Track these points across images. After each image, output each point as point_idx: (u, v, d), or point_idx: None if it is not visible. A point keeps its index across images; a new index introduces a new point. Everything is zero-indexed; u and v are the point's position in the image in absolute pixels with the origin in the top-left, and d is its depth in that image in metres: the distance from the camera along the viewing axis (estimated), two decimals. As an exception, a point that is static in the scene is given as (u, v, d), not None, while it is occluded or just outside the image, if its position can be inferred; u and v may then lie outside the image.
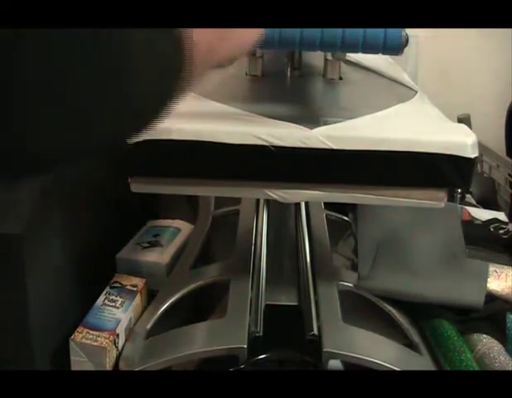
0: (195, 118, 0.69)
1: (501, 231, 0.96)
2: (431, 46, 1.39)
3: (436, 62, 1.46)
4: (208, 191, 0.76)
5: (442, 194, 0.68)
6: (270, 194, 0.68)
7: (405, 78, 0.91)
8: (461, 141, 0.65)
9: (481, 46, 1.43)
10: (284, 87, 0.87)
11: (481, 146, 1.24)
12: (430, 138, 0.65)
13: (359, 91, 0.87)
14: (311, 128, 0.65)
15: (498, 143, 1.25)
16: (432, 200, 0.68)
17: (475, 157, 0.65)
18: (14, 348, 0.64)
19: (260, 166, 0.66)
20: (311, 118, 0.69)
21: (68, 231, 0.74)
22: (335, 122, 0.68)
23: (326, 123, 0.67)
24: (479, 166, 1.26)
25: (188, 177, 0.69)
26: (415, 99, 0.81)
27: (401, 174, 0.67)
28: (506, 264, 0.82)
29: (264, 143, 0.64)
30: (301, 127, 0.66)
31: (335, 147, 0.64)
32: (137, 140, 0.60)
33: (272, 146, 0.64)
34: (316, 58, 0.91)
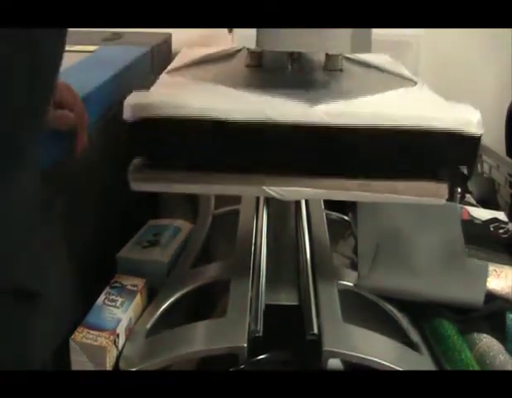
0: (194, 96, 0.69)
1: (501, 231, 0.96)
2: (431, 46, 1.39)
3: (436, 62, 1.46)
4: (207, 190, 0.76)
5: (443, 189, 0.67)
6: (269, 191, 0.68)
7: (405, 72, 0.90)
8: (465, 117, 0.64)
9: (481, 46, 1.43)
10: (284, 75, 0.86)
11: (481, 146, 1.24)
12: (434, 115, 0.64)
13: (360, 80, 0.86)
14: (312, 105, 0.64)
15: (498, 143, 1.25)
16: (433, 196, 0.68)
17: (481, 135, 0.64)
18: (14, 348, 0.64)
19: (260, 142, 0.65)
20: (312, 99, 0.68)
21: (68, 231, 0.74)
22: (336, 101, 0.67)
23: (326, 103, 0.66)
24: (479, 166, 1.26)
25: (188, 157, 0.68)
26: (416, 87, 0.81)
27: (404, 152, 0.65)
28: (506, 264, 0.82)
29: (264, 119, 0.63)
30: (302, 103, 0.65)
31: (335, 123, 0.63)
32: (136, 118, 0.61)
33: (273, 121, 0.63)
34: (317, 53, 0.91)
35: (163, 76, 0.85)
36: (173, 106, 0.65)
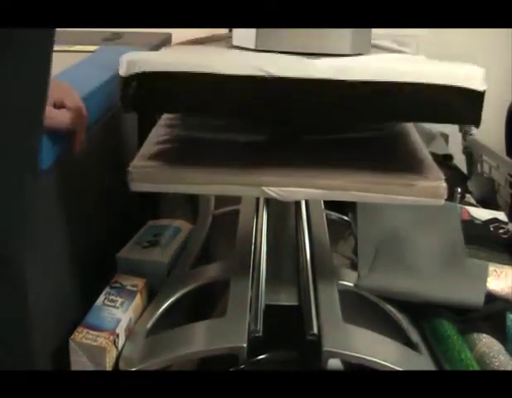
0: (193, 53, 0.69)
1: (501, 231, 0.96)
2: (431, 46, 1.39)
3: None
4: (207, 190, 0.76)
5: (443, 190, 0.67)
6: (268, 192, 0.67)
7: (406, 50, 0.90)
8: (469, 72, 0.63)
9: (481, 47, 1.43)
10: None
11: (481, 146, 1.24)
12: (437, 70, 0.64)
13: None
14: (314, 59, 0.63)
15: (498, 143, 1.25)
16: (433, 196, 0.68)
17: (484, 91, 0.63)
18: (14, 348, 0.64)
19: (260, 98, 0.64)
20: (313, 57, 0.66)
21: (68, 231, 0.74)
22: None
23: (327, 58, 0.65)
24: (479, 166, 1.26)
25: (185, 111, 0.69)
26: (417, 56, 0.81)
27: (408, 108, 0.65)
28: (506, 264, 0.82)
29: (265, 74, 0.62)
30: (303, 58, 0.64)
31: (338, 77, 0.62)
32: (133, 72, 0.62)
33: (273, 76, 0.62)
34: None
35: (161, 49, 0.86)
36: (167, 62, 0.65)
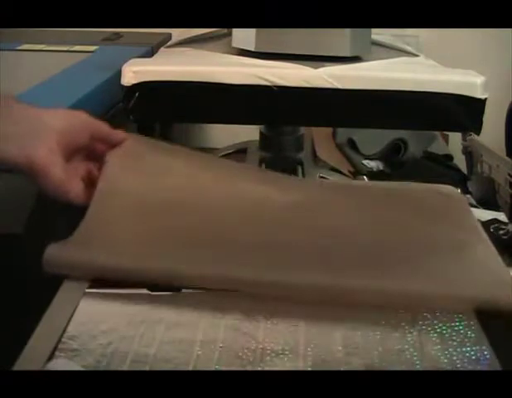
0: (194, 62, 0.69)
1: (501, 232, 0.96)
2: (431, 46, 1.39)
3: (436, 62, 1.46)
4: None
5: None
6: None
7: (407, 47, 0.90)
8: (470, 80, 0.64)
9: (481, 46, 1.43)
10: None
11: (481, 146, 1.24)
12: (438, 78, 0.64)
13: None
14: (316, 68, 0.64)
15: (498, 143, 1.25)
16: None
17: (485, 99, 0.64)
18: (14, 348, 0.64)
19: (262, 107, 0.65)
20: (315, 62, 0.67)
21: (68, 230, 0.73)
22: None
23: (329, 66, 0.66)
24: (479, 166, 1.26)
25: (187, 121, 0.69)
26: (419, 58, 0.81)
27: (409, 116, 0.65)
28: (506, 265, 0.82)
29: (266, 83, 0.63)
30: (305, 67, 0.64)
31: (339, 86, 0.63)
32: (135, 82, 0.63)
33: (275, 86, 0.63)
34: None
35: (162, 49, 0.86)
36: (170, 71, 0.65)
